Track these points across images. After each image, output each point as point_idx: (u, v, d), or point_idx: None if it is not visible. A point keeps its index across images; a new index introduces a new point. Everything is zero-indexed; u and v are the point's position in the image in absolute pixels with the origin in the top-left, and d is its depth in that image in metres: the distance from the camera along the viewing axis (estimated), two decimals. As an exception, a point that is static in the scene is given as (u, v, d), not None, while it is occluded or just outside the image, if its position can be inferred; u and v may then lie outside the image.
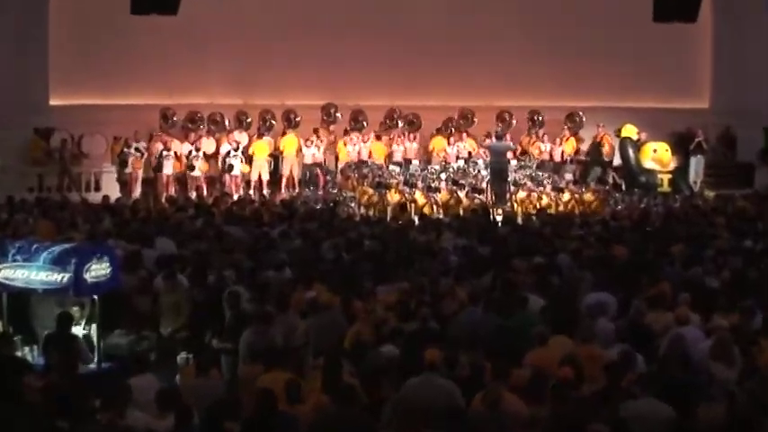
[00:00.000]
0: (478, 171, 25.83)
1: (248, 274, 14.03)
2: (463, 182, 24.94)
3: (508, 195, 24.04)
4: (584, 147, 29.05)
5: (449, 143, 28.29)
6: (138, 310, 13.02)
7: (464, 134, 28.86)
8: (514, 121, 29.39)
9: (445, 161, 27.25)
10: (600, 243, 16.66)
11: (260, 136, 27.82)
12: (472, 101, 29.49)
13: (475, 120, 29.22)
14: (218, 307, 12.49)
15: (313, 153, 27.37)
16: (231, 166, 26.61)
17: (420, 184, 24.61)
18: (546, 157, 28.30)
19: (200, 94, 28.76)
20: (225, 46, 28.76)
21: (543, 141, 28.68)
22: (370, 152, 27.98)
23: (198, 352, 11.36)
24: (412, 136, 28.52)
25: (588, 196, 24.81)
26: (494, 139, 25.89)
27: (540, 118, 29.45)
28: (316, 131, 27.83)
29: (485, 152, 26.43)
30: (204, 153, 26.96)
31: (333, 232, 17.57)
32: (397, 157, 27.91)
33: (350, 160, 27.29)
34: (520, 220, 21.92)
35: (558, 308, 11.80)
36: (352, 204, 24.16)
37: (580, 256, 15.28)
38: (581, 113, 29.52)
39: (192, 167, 26.53)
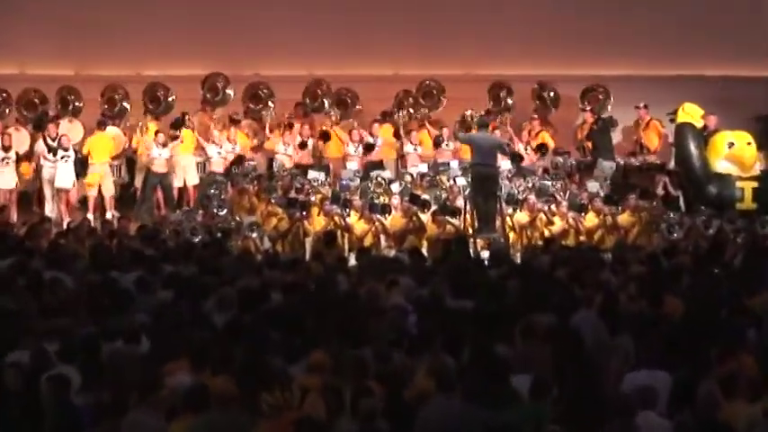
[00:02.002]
0: (452, 180, 25.94)
1: (83, 346, 13.88)
2: (428, 197, 25.01)
3: (499, 218, 24.08)
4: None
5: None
6: None
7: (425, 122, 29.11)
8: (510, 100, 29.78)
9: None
10: (645, 293, 16.71)
11: (101, 126, 27.65)
12: (443, 68, 29.78)
13: (443, 98, 29.41)
14: (34, 399, 12.36)
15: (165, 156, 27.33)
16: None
17: (357, 201, 24.68)
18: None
19: (8, 59, 28.73)
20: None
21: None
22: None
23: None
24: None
25: (625, 218, 24.91)
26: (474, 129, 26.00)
27: (552, 94, 29.74)
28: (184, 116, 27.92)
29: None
30: (17, 153, 26.83)
31: (221, 280, 17.52)
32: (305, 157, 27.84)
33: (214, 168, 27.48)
34: (519, 258, 21.99)
35: (580, 395, 11.79)
36: (253, 234, 24.08)
37: (613, 313, 15.33)
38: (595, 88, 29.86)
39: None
